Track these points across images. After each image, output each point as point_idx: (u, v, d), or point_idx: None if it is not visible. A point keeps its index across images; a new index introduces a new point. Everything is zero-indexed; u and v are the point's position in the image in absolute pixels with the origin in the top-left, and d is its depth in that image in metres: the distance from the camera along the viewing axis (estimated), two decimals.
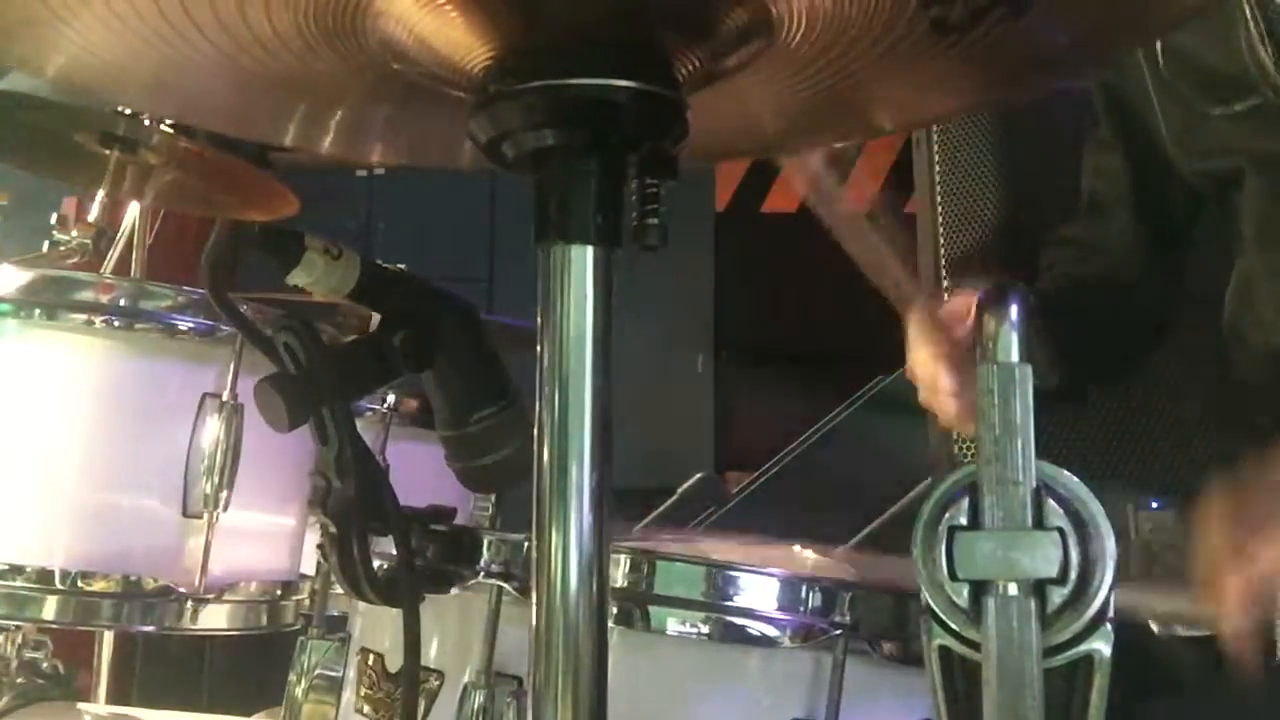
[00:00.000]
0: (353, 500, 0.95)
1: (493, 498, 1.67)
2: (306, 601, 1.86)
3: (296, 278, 0.97)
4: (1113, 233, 1.62)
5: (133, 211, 2.35)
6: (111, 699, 2.37)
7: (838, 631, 1.07)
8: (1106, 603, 0.70)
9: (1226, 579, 1.05)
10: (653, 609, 1.10)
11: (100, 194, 2.15)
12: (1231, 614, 1.04)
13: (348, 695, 1.29)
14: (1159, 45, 1.42)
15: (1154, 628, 1.32)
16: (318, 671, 1.50)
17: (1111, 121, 1.61)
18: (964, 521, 0.71)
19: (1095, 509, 0.70)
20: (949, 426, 1.47)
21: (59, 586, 1.66)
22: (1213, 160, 1.46)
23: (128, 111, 2.02)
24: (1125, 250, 1.60)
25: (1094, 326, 1.54)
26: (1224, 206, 1.46)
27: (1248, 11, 1.33)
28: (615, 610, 1.09)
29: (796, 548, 1.53)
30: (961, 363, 1.37)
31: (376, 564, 0.97)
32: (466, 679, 1.12)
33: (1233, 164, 1.43)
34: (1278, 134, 1.35)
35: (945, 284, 2.02)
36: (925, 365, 1.41)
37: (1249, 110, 1.36)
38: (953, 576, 0.71)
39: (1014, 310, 0.72)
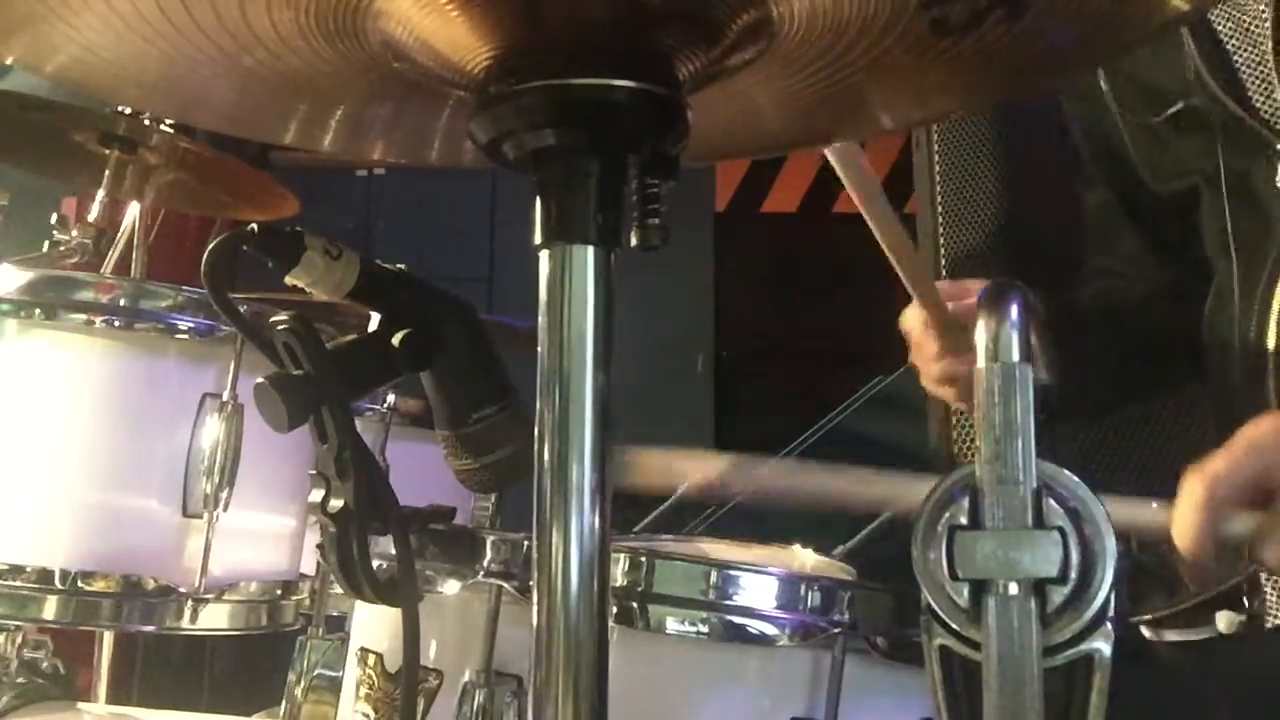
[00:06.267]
0: (353, 500, 0.95)
1: (493, 498, 1.67)
2: (306, 601, 1.86)
3: (296, 278, 0.96)
4: (1126, 258, 1.63)
5: (133, 211, 2.35)
6: (111, 699, 2.37)
7: (837, 630, 1.08)
8: (1107, 602, 0.70)
9: (1186, 491, 1.05)
10: (652, 608, 1.10)
11: (100, 194, 2.16)
12: (1188, 529, 1.04)
13: (347, 695, 1.29)
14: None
15: (1145, 632, 1.32)
16: (317, 671, 1.50)
17: (1089, 155, 1.63)
18: (964, 521, 0.71)
19: (1095, 509, 0.70)
20: (932, 391, 1.49)
21: (59, 586, 1.66)
22: (1175, 181, 1.48)
23: (128, 111, 2.02)
24: (1140, 275, 1.62)
25: (1123, 352, 1.57)
26: (1195, 223, 1.48)
27: (1188, 34, 1.35)
28: (615, 609, 1.09)
29: (796, 547, 1.53)
30: (947, 329, 1.38)
31: (376, 564, 0.97)
32: (466, 679, 1.12)
33: (1191, 184, 1.45)
34: (1229, 149, 1.36)
35: None
36: (913, 322, 1.43)
37: (1181, 116, 1.39)
38: (953, 576, 0.71)
39: (1014, 310, 0.72)
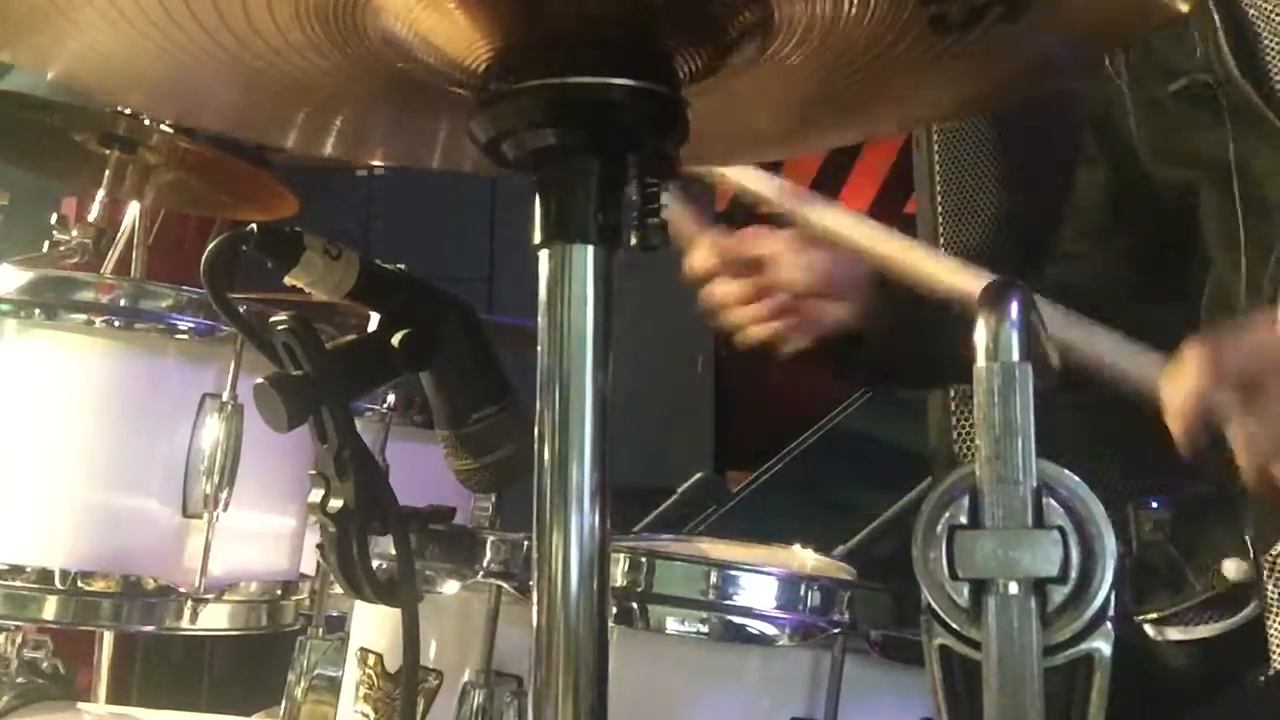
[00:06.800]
0: (353, 500, 0.95)
1: (493, 498, 1.67)
2: (306, 601, 1.86)
3: (296, 278, 0.97)
4: (1102, 246, 1.62)
5: (133, 211, 2.35)
6: (111, 699, 2.36)
7: (836, 630, 1.08)
8: (1107, 602, 0.70)
9: (1183, 359, 1.07)
10: (652, 608, 1.10)
11: (100, 194, 2.16)
12: (1176, 393, 1.06)
13: (347, 695, 1.29)
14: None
15: (1148, 631, 1.32)
16: (317, 671, 1.50)
17: (1096, 136, 1.62)
18: (964, 521, 0.71)
19: (1096, 508, 0.70)
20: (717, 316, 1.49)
21: (59, 586, 1.66)
22: (1177, 169, 1.47)
23: (128, 111, 2.02)
24: (1114, 262, 1.61)
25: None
26: (1195, 215, 1.48)
27: (1215, 13, 1.34)
28: (615, 609, 1.09)
29: (796, 547, 1.53)
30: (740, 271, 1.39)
31: (376, 564, 0.97)
32: (465, 678, 1.12)
33: (1194, 175, 1.44)
34: (1240, 138, 1.35)
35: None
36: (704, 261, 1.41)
37: (1190, 90, 1.38)
38: (953, 576, 0.71)
39: (1014, 309, 0.71)
